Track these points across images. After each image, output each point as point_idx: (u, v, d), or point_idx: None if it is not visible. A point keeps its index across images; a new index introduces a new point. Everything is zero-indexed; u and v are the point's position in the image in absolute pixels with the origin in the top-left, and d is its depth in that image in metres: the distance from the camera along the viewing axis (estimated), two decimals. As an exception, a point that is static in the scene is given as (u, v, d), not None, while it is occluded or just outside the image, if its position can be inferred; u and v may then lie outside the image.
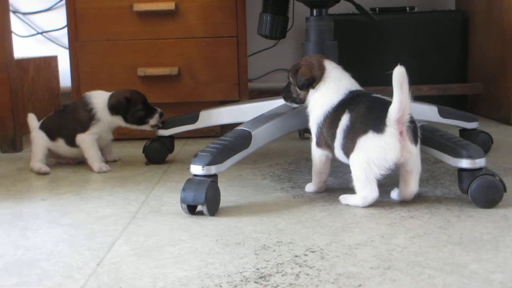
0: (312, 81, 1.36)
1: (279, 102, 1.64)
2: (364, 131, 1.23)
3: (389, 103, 1.21)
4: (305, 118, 1.52)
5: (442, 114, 1.73)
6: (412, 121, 1.22)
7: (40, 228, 1.21)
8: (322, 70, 1.36)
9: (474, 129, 1.79)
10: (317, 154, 1.36)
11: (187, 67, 2.08)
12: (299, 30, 2.58)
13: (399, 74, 1.17)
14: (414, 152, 1.22)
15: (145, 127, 1.74)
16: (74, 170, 1.71)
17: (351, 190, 1.31)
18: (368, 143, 1.22)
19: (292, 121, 1.50)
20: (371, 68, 2.36)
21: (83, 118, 1.72)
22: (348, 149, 1.27)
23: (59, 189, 1.51)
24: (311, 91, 1.36)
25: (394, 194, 1.31)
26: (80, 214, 1.29)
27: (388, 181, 1.29)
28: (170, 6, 2.03)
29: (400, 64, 1.18)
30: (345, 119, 1.27)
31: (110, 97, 1.72)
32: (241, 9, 2.07)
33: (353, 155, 1.25)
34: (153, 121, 1.72)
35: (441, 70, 2.49)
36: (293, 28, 2.51)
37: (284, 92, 1.44)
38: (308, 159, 1.74)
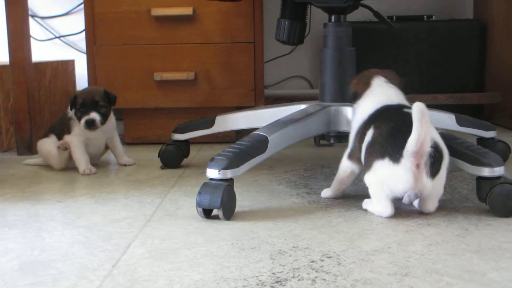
0: (355, 96, 1.38)
1: (296, 107, 1.64)
2: (382, 156, 1.20)
3: None
4: (321, 124, 1.52)
5: (459, 122, 1.72)
6: (432, 155, 1.17)
7: (55, 229, 1.21)
8: (366, 86, 1.36)
9: (492, 138, 1.77)
10: (345, 165, 1.35)
11: (203, 72, 2.08)
12: (316, 37, 2.58)
13: (418, 110, 1.14)
14: (429, 185, 1.19)
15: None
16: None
17: (369, 196, 1.30)
18: (382, 168, 1.20)
19: (309, 127, 1.50)
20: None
21: (66, 119, 1.76)
22: (366, 163, 1.25)
23: (75, 191, 1.51)
24: (355, 107, 1.38)
25: (415, 203, 1.29)
26: (96, 217, 1.29)
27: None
28: (188, 11, 2.03)
29: (420, 102, 1.15)
30: (369, 135, 1.26)
31: None
32: (258, 15, 2.07)
33: (368, 174, 1.24)
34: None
35: (459, 79, 2.48)
36: (309, 35, 2.52)
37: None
38: (323, 165, 1.74)
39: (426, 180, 1.19)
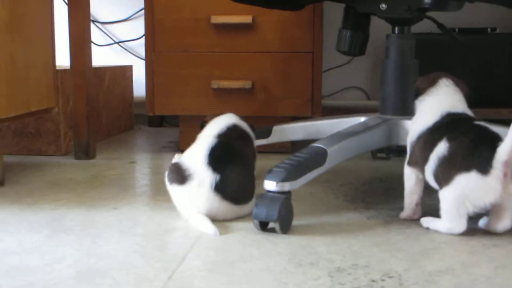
0: (418, 93, 1.34)
1: (354, 120, 1.61)
2: (467, 169, 1.15)
3: (496, 137, 1.16)
4: (380, 137, 1.48)
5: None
6: None
7: (112, 237, 1.20)
8: (431, 84, 1.33)
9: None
10: (407, 172, 1.31)
11: (260, 81, 2.07)
12: (374, 47, 2.54)
13: None
14: None
15: None
16: (145, 179, 1.72)
17: (428, 214, 1.26)
18: (468, 182, 1.15)
19: (368, 141, 1.46)
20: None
21: None
22: (440, 178, 1.21)
23: (130, 198, 1.51)
24: (417, 103, 1.34)
25: (482, 223, 1.24)
26: (151, 225, 1.28)
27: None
28: (248, 19, 2.02)
29: None
30: (442, 147, 1.21)
31: None
32: (318, 24, 2.04)
33: (448, 189, 1.18)
34: None
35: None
36: (368, 46, 2.47)
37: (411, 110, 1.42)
38: (381, 179, 1.70)
39: (511, 188, 1.15)
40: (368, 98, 2.71)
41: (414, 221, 1.29)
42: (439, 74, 1.35)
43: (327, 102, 2.65)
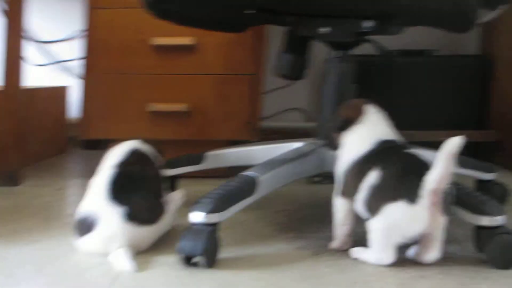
0: (347, 122, 1.29)
1: (289, 145, 1.58)
2: (394, 198, 1.13)
3: (425, 166, 1.13)
4: (314, 164, 1.45)
5: (458, 163, 1.65)
6: (447, 191, 1.12)
7: (24, 277, 1.12)
8: (359, 112, 1.29)
9: (491, 181, 1.70)
10: (338, 203, 1.27)
11: (199, 104, 2.02)
12: (315, 69, 2.52)
13: (454, 145, 1.09)
14: (442, 223, 1.14)
15: None
16: (71, 208, 1.65)
17: (359, 243, 1.23)
18: (396, 211, 1.13)
19: (303, 168, 1.43)
20: (387, 112, 2.29)
21: None
22: (371, 207, 1.18)
23: (52, 230, 1.43)
24: (344, 133, 1.29)
25: (411, 253, 1.21)
26: (69, 262, 1.20)
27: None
28: (189, 41, 1.97)
29: (457, 137, 1.10)
30: (373, 176, 1.18)
31: None
32: (259, 47, 2.00)
33: (376, 219, 1.15)
34: None
35: (460, 117, 2.41)
36: (310, 67, 2.46)
37: (328, 140, 1.37)
38: (316, 205, 1.67)
39: (441, 218, 1.13)
40: (309, 120, 2.69)
41: (344, 251, 1.26)
42: (361, 101, 1.32)
43: (267, 124, 2.62)
